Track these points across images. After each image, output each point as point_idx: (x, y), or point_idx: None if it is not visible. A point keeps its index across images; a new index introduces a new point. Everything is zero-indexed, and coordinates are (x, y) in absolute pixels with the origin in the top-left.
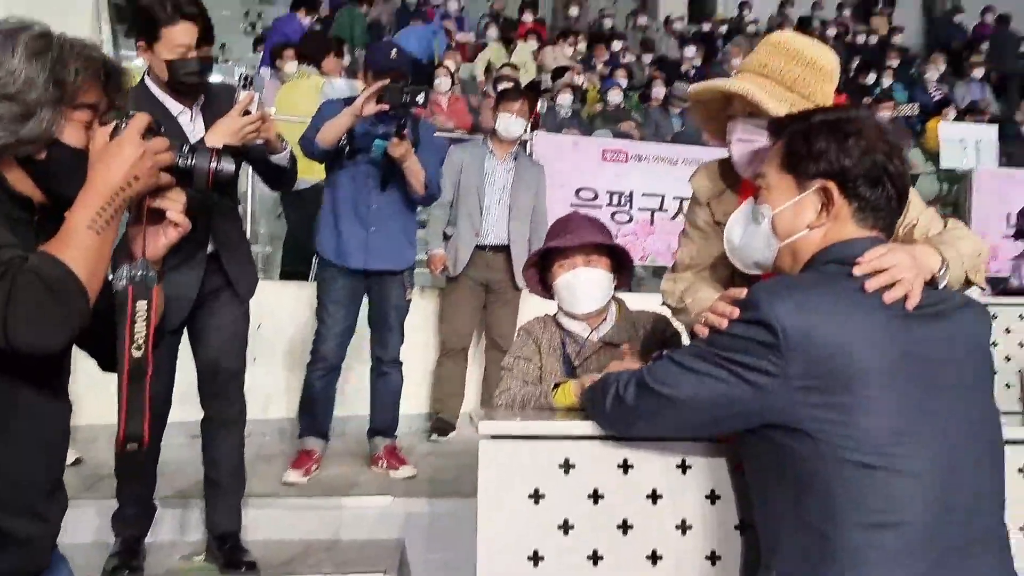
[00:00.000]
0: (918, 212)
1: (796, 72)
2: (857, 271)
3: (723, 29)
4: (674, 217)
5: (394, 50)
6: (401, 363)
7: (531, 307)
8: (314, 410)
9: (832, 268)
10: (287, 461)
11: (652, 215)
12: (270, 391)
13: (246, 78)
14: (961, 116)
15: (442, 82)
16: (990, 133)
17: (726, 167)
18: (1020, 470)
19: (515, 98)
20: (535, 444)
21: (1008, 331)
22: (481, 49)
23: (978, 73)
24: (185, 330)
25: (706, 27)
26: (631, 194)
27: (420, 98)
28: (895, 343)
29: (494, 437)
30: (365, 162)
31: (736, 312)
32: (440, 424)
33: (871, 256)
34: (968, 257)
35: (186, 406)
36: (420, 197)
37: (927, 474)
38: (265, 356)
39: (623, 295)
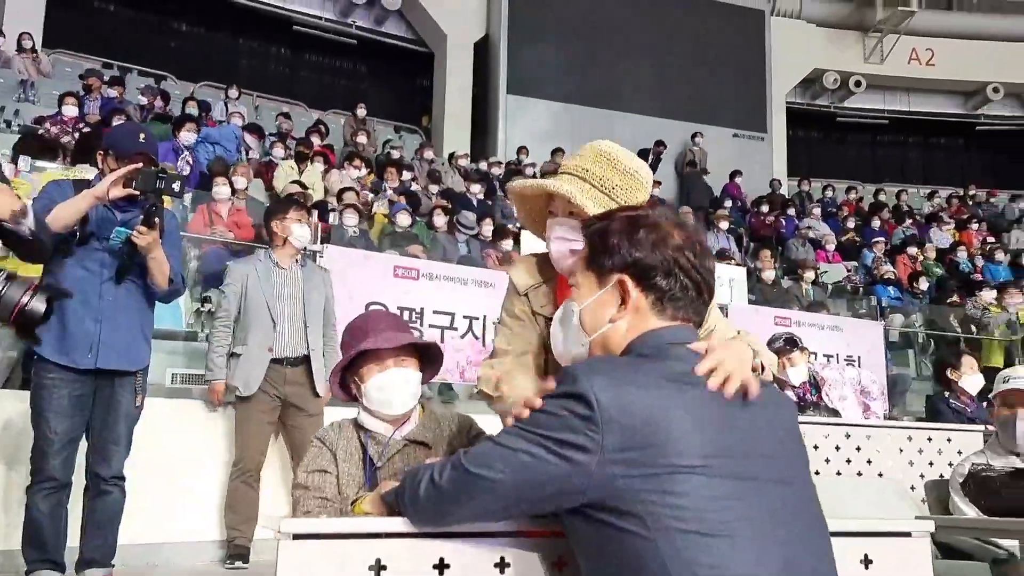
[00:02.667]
0: (716, 319)
1: (615, 180)
2: (699, 369)
3: (499, 171)
4: (464, 336)
5: (142, 134)
6: (124, 479)
7: (334, 418)
8: (42, 538)
9: (646, 352)
10: None
11: (442, 332)
12: None
13: None
14: None
15: (220, 190)
16: (741, 274)
17: (543, 261)
18: None
19: (301, 206)
20: (343, 544)
21: None
22: (267, 166)
23: (724, 225)
24: None
25: (484, 166)
26: (422, 311)
27: (176, 186)
28: (710, 414)
29: (296, 537)
30: (99, 249)
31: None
32: (238, 550)
33: (700, 347)
34: (766, 359)
35: None
36: (162, 292)
37: (759, 538)
38: None
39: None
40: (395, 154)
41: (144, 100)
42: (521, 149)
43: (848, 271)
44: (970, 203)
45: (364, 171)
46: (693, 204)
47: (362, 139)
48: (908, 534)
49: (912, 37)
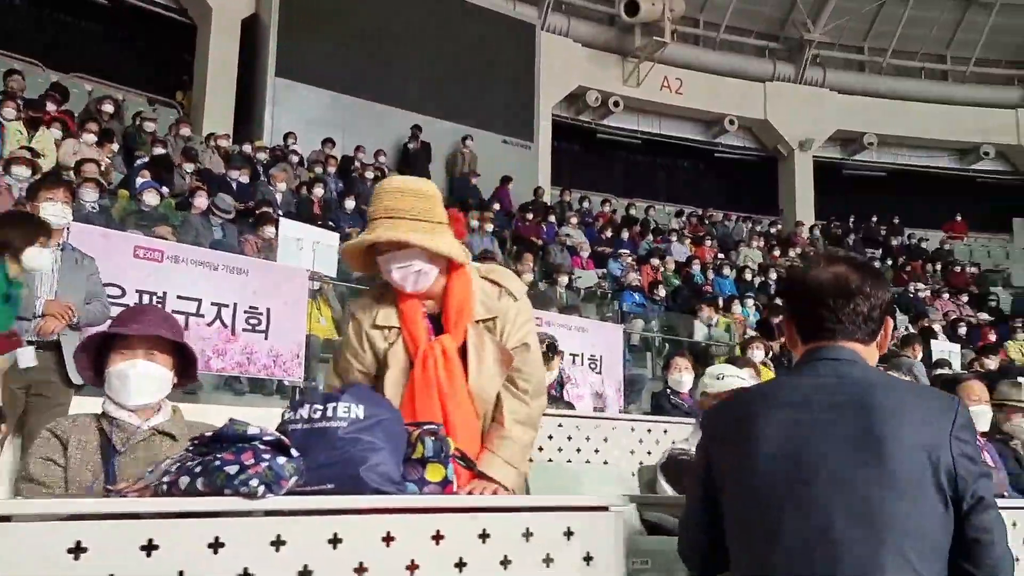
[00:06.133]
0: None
1: (420, 206)
2: None
3: (265, 155)
4: (211, 323)
5: None
6: None
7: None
8: None
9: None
10: None
11: (187, 319)
12: None
13: None
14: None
15: None
16: (332, 239)
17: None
18: None
19: (58, 184)
20: (38, 527)
21: None
22: None
23: (489, 227)
24: None
25: (248, 148)
26: (164, 295)
27: None
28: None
29: None
30: None
31: None
32: None
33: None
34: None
35: None
36: None
37: None
38: None
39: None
40: (149, 127)
41: None
42: (289, 135)
43: (599, 277)
44: (707, 222)
45: (108, 142)
46: (462, 206)
47: (108, 108)
48: (606, 508)
49: (665, 66)
